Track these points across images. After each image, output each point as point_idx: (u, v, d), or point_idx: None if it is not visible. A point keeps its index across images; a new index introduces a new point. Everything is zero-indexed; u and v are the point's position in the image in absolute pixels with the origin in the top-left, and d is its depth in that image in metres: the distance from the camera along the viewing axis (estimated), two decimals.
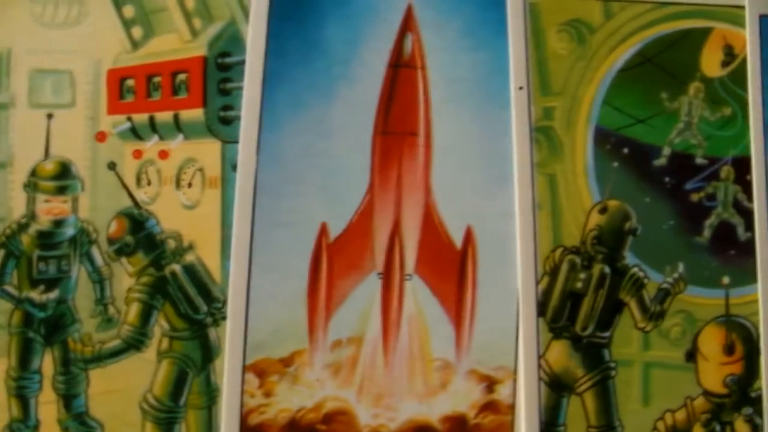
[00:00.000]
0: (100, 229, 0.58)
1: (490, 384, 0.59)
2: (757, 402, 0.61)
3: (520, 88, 0.60)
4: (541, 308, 0.59)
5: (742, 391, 0.61)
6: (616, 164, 0.61)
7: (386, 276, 0.59)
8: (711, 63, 0.63)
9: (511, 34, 0.60)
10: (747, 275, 0.62)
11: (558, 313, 0.60)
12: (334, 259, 0.58)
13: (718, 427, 0.61)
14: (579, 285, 0.60)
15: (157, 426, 0.57)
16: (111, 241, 0.58)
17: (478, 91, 0.60)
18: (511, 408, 0.59)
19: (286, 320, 0.58)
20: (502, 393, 0.59)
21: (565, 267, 0.60)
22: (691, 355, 0.61)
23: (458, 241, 0.59)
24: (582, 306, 0.60)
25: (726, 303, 0.62)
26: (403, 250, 0.59)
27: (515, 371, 0.59)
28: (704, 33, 0.63)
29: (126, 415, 0.57)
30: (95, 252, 0.58)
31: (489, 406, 0.59)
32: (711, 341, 0.61)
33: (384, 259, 0.59)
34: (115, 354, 0.58)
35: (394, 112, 0.59)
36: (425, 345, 0.59)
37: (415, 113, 0.59)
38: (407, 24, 0.60)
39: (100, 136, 0.58)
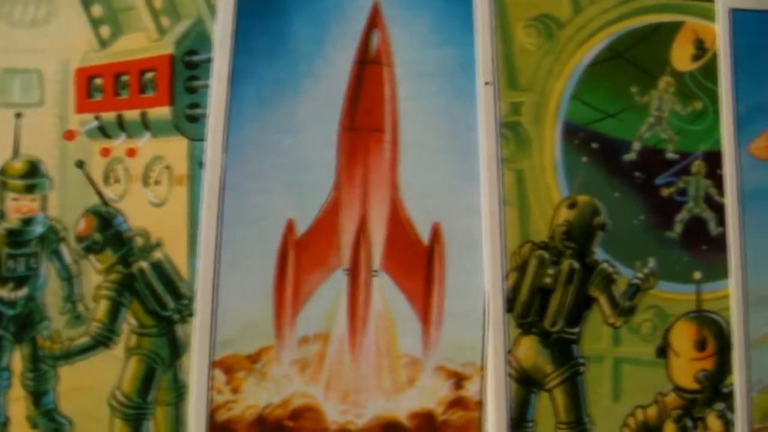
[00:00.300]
0: (69, 227, 0.59)
1: (458, 380, 0.59)
2: (728, 397, 0.61)
3: (487, 83, 0.60)
4: (510, 304, 0.60)
5: (713, 387, 0.62)
6: (585, 159, 0.61)
7: (353, 272, 0.59)
8: (681, 57, 0.63)
9: (478, 29, 0.61)
10: (719, 270, 0.62)
11: (526, 308, 0.60)
12: (300, 256, 0.59)
13: (689, 423, 0.61)
14: (547, 280, 0.60)
15: (125, 422, 0.58)
16: (79, 238, 0.59)
17: (445, 86, 0.61)
18: (479, 404, 0.59)
19: (253, 317, 0.58)
20: (470, 389, 0.59)
21: (533, 262, 0.60)
22: (662, 351, 0.61)
23: (425, 237, 0.60)
24: (551, 301, 0.60)
25: (697, 298, 0.62)
26: (369, 247, 0.59)
27: (483, 367, 0.59)
28: (674, 27, 0.63)
29: (95, 412, 0.58)
30: (64, 250, 0.59)
31: (457, 403, 0.59)
32: (682, 337, 0.62)
33: (350, 256, 0.59)
34: (84, 351, 0.59)
35: (360, 108, 0.60)
36: (392, 341, 0.59)
37: (381, 109, 0.60)
38: (373, 20, 0.61)
39: (69, 135, 0.59)
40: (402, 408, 0.59)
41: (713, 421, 0.61)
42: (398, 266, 0.59)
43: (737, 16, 0.63)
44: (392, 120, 0.60)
